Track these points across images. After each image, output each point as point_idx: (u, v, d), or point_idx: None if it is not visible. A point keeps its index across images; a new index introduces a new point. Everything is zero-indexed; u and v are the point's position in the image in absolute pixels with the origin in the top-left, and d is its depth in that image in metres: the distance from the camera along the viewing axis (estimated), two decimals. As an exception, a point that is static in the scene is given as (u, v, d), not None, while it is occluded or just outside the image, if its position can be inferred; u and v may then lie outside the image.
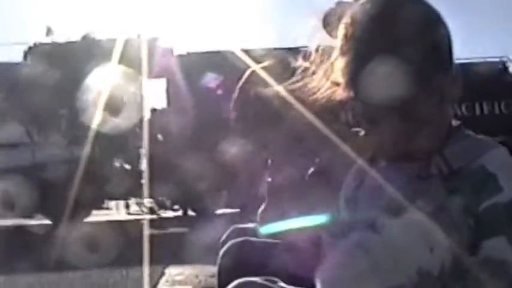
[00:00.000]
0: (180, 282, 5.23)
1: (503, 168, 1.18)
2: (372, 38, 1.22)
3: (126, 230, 9.43)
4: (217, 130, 6.58)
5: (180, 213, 11.90)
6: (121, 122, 10.02)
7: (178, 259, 5.85)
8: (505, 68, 11.62)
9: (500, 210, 1.15)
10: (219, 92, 9.41)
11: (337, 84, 1.31)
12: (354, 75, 1.23)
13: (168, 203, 12.33)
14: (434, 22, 1.26)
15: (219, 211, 10.77)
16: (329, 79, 1.33)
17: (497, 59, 11.79)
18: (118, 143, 10.44)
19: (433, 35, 1.24)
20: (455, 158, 1.22)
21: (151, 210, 12.53)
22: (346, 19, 1.28)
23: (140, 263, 5.28)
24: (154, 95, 11.60)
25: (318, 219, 1.78)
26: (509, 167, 1.20)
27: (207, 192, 10.18)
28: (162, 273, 5.51)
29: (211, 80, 10.07)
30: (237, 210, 9.90)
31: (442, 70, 1.24)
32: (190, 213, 11.52)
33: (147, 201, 12.77)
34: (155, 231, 8.96)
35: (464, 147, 1.24)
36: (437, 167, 1.22)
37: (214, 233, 2.56)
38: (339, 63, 1.27)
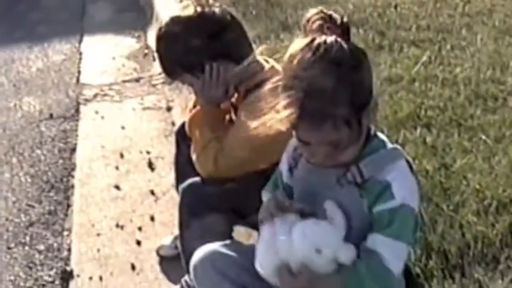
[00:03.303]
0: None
1: (398, 180, 1.57)
2: (310, 85, 1.44)
3: None
4: None
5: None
6: None
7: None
8: None
9: (386, 214, 1.55)
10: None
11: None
12: (294, 120, 1.47)
13: None
14: (358, 65, 1.49)
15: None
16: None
17: None
18: None
19: (358, 79, 1.49)
20: (367, 170, 1.59)
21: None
22: (294, 58, 1.48)
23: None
24: None
25: None
26: (403, 178, 1.59)
27: None
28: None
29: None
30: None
31: (365, 107, 1.51)
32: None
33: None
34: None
35: (374, 160, 1.59)
36: (353, 176, 1.59)
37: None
38: (282, 100, 1.48)
